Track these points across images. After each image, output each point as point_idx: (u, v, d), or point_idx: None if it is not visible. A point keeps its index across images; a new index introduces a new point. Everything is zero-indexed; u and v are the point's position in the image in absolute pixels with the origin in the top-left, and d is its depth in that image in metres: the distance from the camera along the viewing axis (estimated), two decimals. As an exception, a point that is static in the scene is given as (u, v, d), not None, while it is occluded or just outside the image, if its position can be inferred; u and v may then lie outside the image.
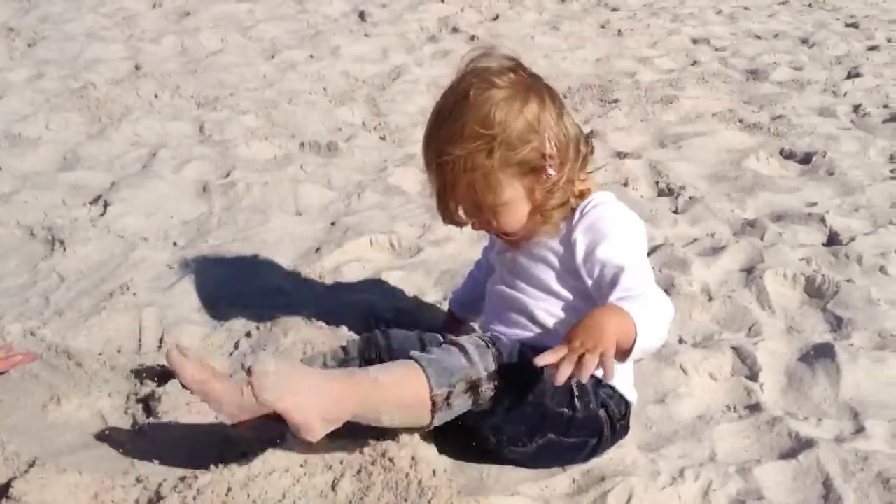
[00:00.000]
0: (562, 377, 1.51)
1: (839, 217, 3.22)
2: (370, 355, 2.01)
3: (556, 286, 1.86)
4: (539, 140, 1.75)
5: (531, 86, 1.79)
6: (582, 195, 1.84)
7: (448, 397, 1.69)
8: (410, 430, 1.80)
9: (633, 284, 1.69)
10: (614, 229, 1.78)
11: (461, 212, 1.82)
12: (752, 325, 2.49)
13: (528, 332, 1.89)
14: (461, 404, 1.72)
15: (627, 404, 1.90)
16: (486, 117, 1.72)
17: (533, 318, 1.88)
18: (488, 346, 1.76)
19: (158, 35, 5.62)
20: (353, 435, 1.91)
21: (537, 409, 1.78)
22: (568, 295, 1.85)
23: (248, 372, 1.59)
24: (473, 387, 1.71)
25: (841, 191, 3.53)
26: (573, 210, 1.83)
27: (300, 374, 1.65)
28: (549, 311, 1.87)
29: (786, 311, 2.60)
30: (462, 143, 1.72)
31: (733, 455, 1.95)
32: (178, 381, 2.00)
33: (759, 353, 2.30)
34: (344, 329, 2.34)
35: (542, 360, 1.55)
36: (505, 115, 1.72)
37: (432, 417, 1.70)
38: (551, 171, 1.77)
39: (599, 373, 1.77)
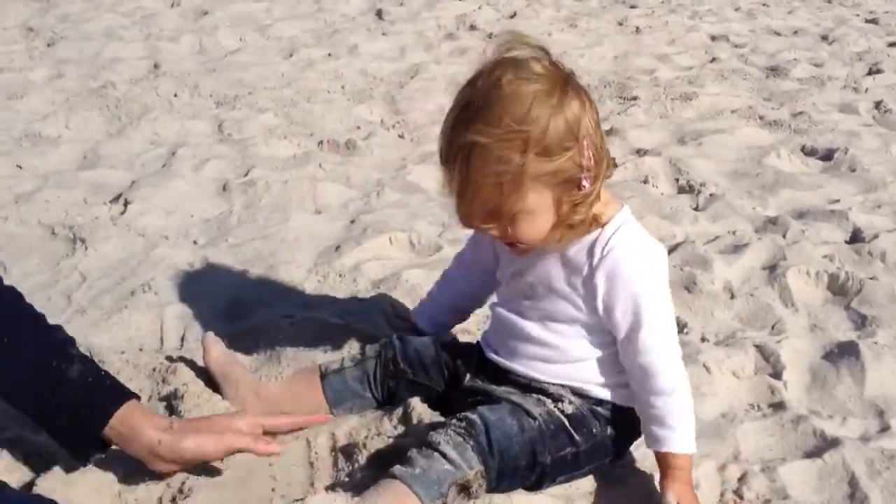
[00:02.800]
0: None
1: (862, 214, 3.19)
2: (387, 357, 2.02)
3: (583, 325, 1.78)
4: (578, 148, 1.58)
5: (569, 81, 1.61)
6: (597, 218, 1.69)
7: None
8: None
9: (651, 344, 1.70)
10: (635, 277, 1.69)
11: (488, 215, 1.64)
12: (775, 322, 2.48)
13: (531, 368, 1.84)
14: None
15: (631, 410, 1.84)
16: (523, 112, 1.54)
17: (543, 350, 1.83)
18: (465, 440, 1.69)
19: (177, 34, 5.63)
20: (379, 438, 1.91)
21: (535, 469, 1.75)
22: (598, 333, 1.79)
23: None
24: (465, 488, 1.66)
25: (863, 187, 3.50)
26: (593, 244, 1.71)
27: None
28: (578, 350, 1.81)
29: (809, 308, 2.58)
30: (495, 135, 1.54)
31: (757, 454, 1.94)
32: (200, 373, 2.04)
33: (783, 351, 2.29)
34: (364, 327, 2.34)
35: None
36: (543, 113, 1.54)
37: None
38: (585, 184, 1.61)
39: (602, 393, 1.81)
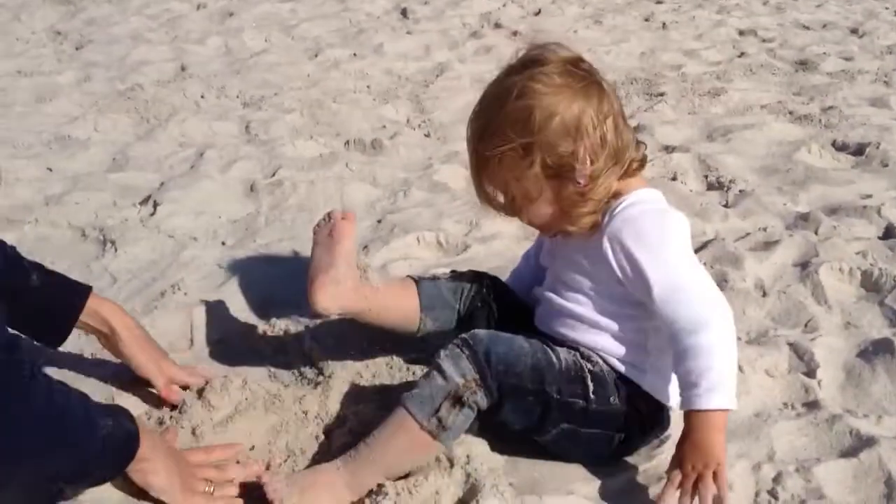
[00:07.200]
0: None
1: (894, 209, 3.15)
2: (483, 281, 2.10)
3: (597, 293, 1.83)
4: (573, 147, 1.71)
5: (577, 87, 1.73)
6: (616, 195, 1.79)
7: (440, 422, 1.70)
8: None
9: (667, 297, 1.69)
10: (640, 235, 1.74)
11: (497, 196, 1.84)
12: (808, 320, 2.44)
13: (576, 333, 1.87)
14: (457, 419, 1.71)
15: (661, 404, 1.86)
16: (525, 120, 1.70)
17: (579, 323, 1.86)
18: (462, 350, 1.73)
19: (203, 36, 5.67)
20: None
21: (539, 397, 1.76)
22: (611, 301, 1.83)
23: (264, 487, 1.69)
24: (456, 399, 1.70)
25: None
26: (605, 213, 1.79)
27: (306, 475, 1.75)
28: (594, 316, 1.84)
29: (842, 305, 2.55)
30: (498, 141, 1.73)
31: (792, 453, 1.92)
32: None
33: (817, 349, 2.26)
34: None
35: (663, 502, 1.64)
36: (543, 119, 1.70)
37: (438, 443, 1.72)
38: (580, 181, 1.74)
39: (618, 366, 1.82)
